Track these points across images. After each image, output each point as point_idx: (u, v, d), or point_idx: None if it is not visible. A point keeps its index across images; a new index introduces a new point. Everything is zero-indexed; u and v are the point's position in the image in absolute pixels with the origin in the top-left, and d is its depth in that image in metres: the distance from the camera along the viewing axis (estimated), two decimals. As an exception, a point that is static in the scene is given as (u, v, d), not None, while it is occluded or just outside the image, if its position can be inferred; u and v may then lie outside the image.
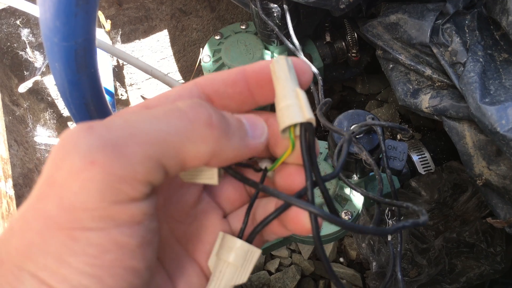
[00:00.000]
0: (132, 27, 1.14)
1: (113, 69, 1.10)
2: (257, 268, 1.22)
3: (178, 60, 1.29)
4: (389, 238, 0.62)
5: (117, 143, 0.19)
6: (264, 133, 0.26)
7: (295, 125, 0.25)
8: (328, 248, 1.19)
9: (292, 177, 0.27)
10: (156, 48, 1.24)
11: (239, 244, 0.26)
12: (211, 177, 0.25)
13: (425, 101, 0.71)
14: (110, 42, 1.09)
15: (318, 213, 0.23)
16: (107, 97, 0.55)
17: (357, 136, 0.60)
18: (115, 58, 1.17)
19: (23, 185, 0.85)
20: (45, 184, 0.19)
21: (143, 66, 0.71)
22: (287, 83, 0.25)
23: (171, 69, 1.31)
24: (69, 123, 1.25)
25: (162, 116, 0.20)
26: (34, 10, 0.78)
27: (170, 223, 0.28)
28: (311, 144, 0.25)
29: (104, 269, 0.19)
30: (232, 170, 0.27)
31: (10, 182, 0.58)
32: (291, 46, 0.76)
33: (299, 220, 0.25)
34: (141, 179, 0.19)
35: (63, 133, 0.20)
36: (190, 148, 0.21)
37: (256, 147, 0.25)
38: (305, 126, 0.25)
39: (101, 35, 1.04)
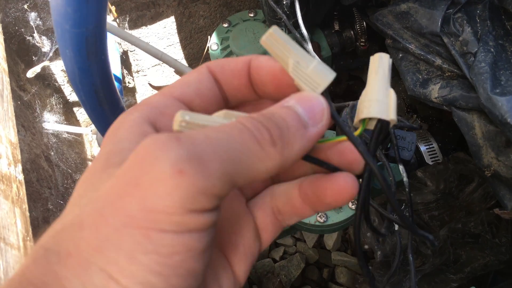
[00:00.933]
0: (139, 13, 1.14)
1: (120, 56, 1.10)
2: (261, 256, 1.23)
3: (184, 47, 1.29)
4: (396, 228, 0.62)
5: (202, 157, 0.20)
6: (324, 112, 0.25)
7: (371, 119, 0.26)
8: (333, 237, 1.20)
9: (346, 155, 0.26)
10: (163, 35, 1.23)
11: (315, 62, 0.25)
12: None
13: (435, 91, 0.70)
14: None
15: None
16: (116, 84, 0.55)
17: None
18: (122, 45, 1.17)
19: (30, 170, 0.86)
20: (129, 184, 0.20)
21: (153, 51, 0.70)
22: (383, 80, 0.26)
23: (178, 56, 1.31)
24: (75, 109, 1.26)
25: (236, 135, 0.21)
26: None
27: None
28: (379, 141, 0.26)
29: (171, 268, 0.20)
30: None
31: (19, 167, 0.58)
32: (298, 35, 0.76)
33: (346, 185, 0.25)
34: (217, 193, 0.21)
35: (149, 138, 0.21)
36: (260, 167, 0.22)
37: (319, 134, 0.24)
38: (382, 123, 0.25)
39: (109, 21, 1.04)
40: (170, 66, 0.69)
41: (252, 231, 0.28)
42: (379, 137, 0.25)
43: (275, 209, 0.29)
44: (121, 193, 0.20)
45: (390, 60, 0.26)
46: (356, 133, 0.26)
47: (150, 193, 0.20)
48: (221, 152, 0.21)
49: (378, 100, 0.25)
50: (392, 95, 0.26)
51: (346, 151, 0.26)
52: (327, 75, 0.25)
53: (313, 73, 0.25)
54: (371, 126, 0.26)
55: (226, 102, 0.28)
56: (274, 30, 0.25)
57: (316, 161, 0.26)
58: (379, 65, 0.26)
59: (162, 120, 0.25)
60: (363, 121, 0.26)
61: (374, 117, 0.25)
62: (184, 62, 1.34)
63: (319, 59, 0.25)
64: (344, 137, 0.26)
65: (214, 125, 0.23)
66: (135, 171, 0.20)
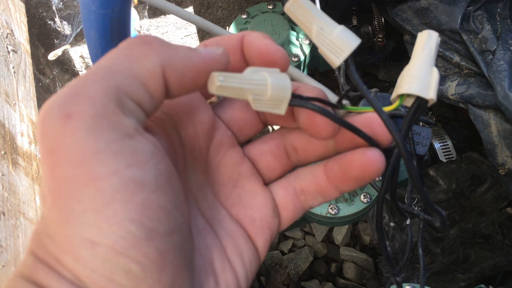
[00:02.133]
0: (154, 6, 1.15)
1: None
2: (270, 248, 1.24)
3: (202, 38, 1.29)
4: (408, 222, 0.62)
5: (77, 91, 0.20)
6: (220, 47, 0.25)
7: (409, 95, 0.25)
8: (342, 232, 1.20)
9: (374, 127, 0.26)
10: (181, 25, 1.24)
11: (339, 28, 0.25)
12: (279, 106, 0.25)
13: (452, 88, 0.70)
14: (137, 17, 1.10)
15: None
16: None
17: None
18: (141, 34, 1.18)
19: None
20: (47, 155, 0.20)
21: (187, 16, 0.68)
22: (429, 58, 0.25)
23: (195, 46, 1.31)
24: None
25: (104, 58, 0.22)
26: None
27: (214, 187, 0.29)
28: (414, 120, 0.25)
29: (139, 212, 0.20)
30: (301, 101, 0.26)
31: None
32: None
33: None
34: (115, 111, 0.20)
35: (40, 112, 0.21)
36: (138, 67, 0.21)
37: (211, 57, 0.24)
38: (421, 102, 0.24)
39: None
40: (208, 31, 0.67)
41: (270, 206, 0.29)
42: (414, 115, 0.25)
43: (298, 189, 0.29)
44: (49, 167, 0.20)
45: (439, 39, 0.26)
46: (391, 108, 0.26)
47: (65, 149, 0.19)
48: (92, 75, 0.21)
49: (420, 76, 0.24)
50: (435, 74, 0.25)
51: (373, 124, 0.26)
52: (351, 41, 0.24)
53: (337, 39, 0.24)
54: (408, 103, 0.25)
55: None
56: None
57: (352, 128, 0.26)
58: (426, 42, 0.25)
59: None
60: (401, 96, 0.25)
61: (413, 93, 0.24)
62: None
63: (344, 26, 0.25)
64: (391, 107, 0.26)
65: (247, 81, 0.23)
66: (44, 144, 0.20)
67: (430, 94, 0.24)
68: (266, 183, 0.31)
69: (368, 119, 0.26)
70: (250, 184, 0.29)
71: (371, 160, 0.25)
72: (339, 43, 0.24)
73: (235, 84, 0.23)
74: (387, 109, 0.26)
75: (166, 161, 0.22)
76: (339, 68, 0.73)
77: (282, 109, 0.25)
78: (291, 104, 0.25)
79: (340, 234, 1.20)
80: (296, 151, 0.29)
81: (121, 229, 0.19)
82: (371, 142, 0.26)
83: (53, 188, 0.20)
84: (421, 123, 0.66)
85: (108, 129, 0.20)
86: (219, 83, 0.23)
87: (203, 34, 1.28)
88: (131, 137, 0.20)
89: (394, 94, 0.25)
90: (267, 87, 0.24)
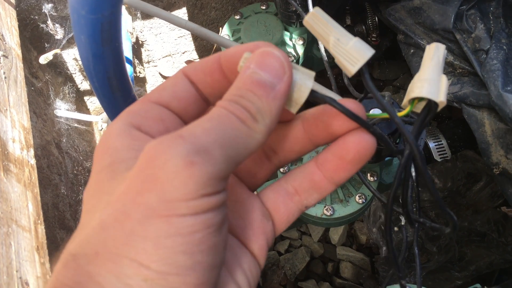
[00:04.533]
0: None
1: (132, 46, 1.10)
2: (267, 248, 1.23)
3: (195, 39, 1.29)
4: (403, 222, 0.62)
5: (206, 148, 0.22)
6: (283, 64, 0.26)
7: (420, 99, 0.26)
8: (339, 231, 1.20)
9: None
10: (174, 26, 1.24)
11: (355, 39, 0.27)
12: (294, 105, 0.27)
13: (445, 88, 0.70)
14: (130, 18, 1.09)
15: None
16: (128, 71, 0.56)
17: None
18: (134, 35, 1.18)
19: (41, 156, 0.87)
20: (146, 181, 0.22)
21: (177, 20, 0.68)
22: (437, 67, 0.26)
23: (188, 47, 1.31)
24: (86, 98, 1.26)
25: (225, 121, 0.24)
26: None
27: None
28: (426, 122, 0.26)
29: (194, 246, 0.22)
30: (320, 94, 0.27)
31: (31, 152, 0.59)
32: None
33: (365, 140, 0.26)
34: (223, 176, 0.23)
35: (155, 141, 0.23)
36: (251, 141, 0.24)
37: (287, 85, 0.25)
38: (431, 105, 0.26)
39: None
40: (197, 34, 0.67)
41: (259, 211, 0.30)
42: (426, 118, 0.26)
43: (291, 190, 0.30)
44: (139, 189, 0.22)
45: (445, 51, 0.27)
46: (403, 113, 0.27)
47: (167, 185, 0.22)
48: (219, 139, 0.23)
49: (430, 81, 0.26)
50: (444, 80, 0.26)
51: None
52: (365, 52, 0.26)
53: (353, 49, 0.26)
54: (418, 109, 0.26)
55: (206, 100, 0.29)
56: (317, 10, 0.27)
57: (357, 119, 0.27)
58: (435, 53, 0.27)
59: (146, 124, 0.27)
60: (412, 101, 0.26)
61: (424, 96, 0.25)
62: (195, 53, 1.34)
63: (359, 38, 0.26)
64: (404, 112, 0.27)
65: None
66: (149, 170, 0.22)
67: (441, 97, 0.25)
68: (253, 190, 0.31)
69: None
70: (234, 194, 0.30)
71: (365, 140, 0.26)
72: (354, 53, 0.26)
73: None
74: (400, 114, 0.27)
75: (226, 207, 0.24)
76: (331, 69, 0.72)
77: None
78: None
79: (336, 234, 1.20)
80: (275, 151, 0.31)
81: (172, 258, 0.21)
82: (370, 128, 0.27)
83: (129, 210, 0.22)
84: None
85: (215, 184, 0.22)
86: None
87: (196, 35, 1.27)
88: (220, 193, 0.23)
89: (405, 100, 0.27)
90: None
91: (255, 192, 0.31)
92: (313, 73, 0.27)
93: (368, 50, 0.26)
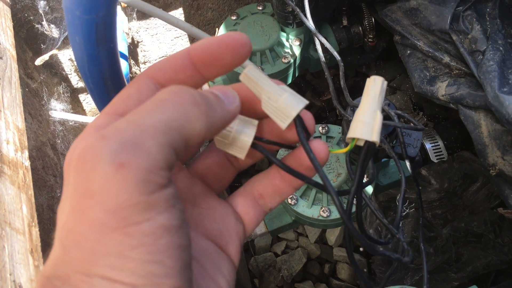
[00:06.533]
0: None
1: (128, 47, 1.10)
2: (263, 250, 1.23)
3: (192, 40, 1.29)
4: (400, 224, 0.62)
5: (134, 142, 0.21)
6: (235, 97, 0.27)
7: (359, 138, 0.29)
8: (335, 232, 1.20)
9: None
10: (170, 27, 1.23)
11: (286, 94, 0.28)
12: (240, 151, 0.29)
13: (442, 89, 0.70)
14: (126, 19, 1.09)
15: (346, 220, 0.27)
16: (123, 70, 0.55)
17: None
18: (130, 36, 1.17)
19: (36, 157, 0.86)
20: (83, 197, 0.21)
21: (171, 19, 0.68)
22: (373, 102, 0.28)
23: (184, 48, 1.31)
24: (81, 99, 1.26)
25: (157, 109, 0.23)
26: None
27: None
28: (367, 160, 0.28)
29: (161, 252, 0.21)
30: (261, 147, 0.29)
31: (26, 153, 0.59)
32: (311, 27, 0.76)
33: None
34: (163, 166, 0.22)
35: (78, 148, 0.22)
36: (189, 128, 0.23)
37: (235, 111, 0.27)
38: (370, 144, 0.28)
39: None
40: (191, 34, 0.66)
41: (231, 215, 0.31)
42: (366, 156, 0.28)
43: (257, 194, 0.32)
44: (82, 208, 0.21)
45: (385, 83, 0.29)
46: (345, 150, 0.30)
47: (105, 197, 0.21)
48: (149, 128, 0.22)
49: (364, 121, 0.28)
50: (378, 117, 0.28)
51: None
52: (295, 107, 0.27)
53: (282, 106, 0.27)
54: (361, 143, 0.28)
55: None
56: (248, 70, 0.28)
57: (289, 170, 0.29)
58: (372, 87, 0.29)
59: None
60: (352, 140, 0.29)
61: (358, 137, 0.28)
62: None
63: (291, 91, 0.28)
64: (345, 149, 0.30)
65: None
66: (82, 184, 0.21)
67: (373, 136, 0.27)
68: (219, 193, 0.33)
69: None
70: (207, 201, 0.31)
71: (320, 148, 0.28)
72: (284, 109, 0.27)
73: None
74: (341, 151, 0.31)
75: (180, 201, 0.24)
76: (328, 70, 0.72)
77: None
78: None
79: (333, 235, 1.20)
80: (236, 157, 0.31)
81: (143, 269, 0.21)
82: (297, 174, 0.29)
83: (81, 230, 0.21)
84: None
85: (156, 177, 0.21)
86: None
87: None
88: (166, 186, 0.22)
89: (347, 137, 0.29)
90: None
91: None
92: (256, 121, 0.29)
93: (298, 103, 0.27)
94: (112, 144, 0.21)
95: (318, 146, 0.28)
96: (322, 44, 0.75)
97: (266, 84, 0.28)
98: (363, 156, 0.28)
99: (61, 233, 0.22)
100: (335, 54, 0.70)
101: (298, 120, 0.28)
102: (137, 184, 0.21)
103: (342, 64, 0.68)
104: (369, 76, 0.29)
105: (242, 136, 0.28)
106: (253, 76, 0.28)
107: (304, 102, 0.28)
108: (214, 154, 0.32)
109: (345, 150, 0.30)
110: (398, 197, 0.59)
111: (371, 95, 0.29)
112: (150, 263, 0.21)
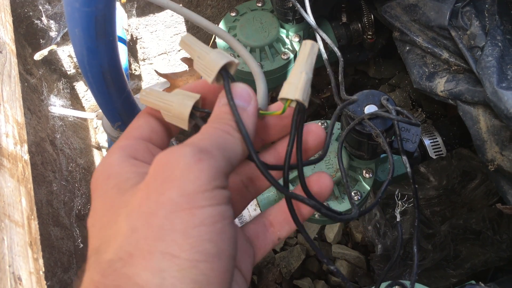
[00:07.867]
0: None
1: (127, 43, 1.10)
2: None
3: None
4: (398, 218, 0.62)
5: (208, 149, 0.27)
6: (250, 93, 0.31)
7: (292, 100, 0.31)
8: (334, 229, 1.20)
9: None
10: (170, 23, 1.24)
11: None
12: (182, 122, 0.31)
13: (441, 85, 0.70)
14: (125, 15, 1.09)
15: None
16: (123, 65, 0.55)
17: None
18: (129, 32, 1.17)
19: (35, 153, 0.86)
20: (163, 182, 0.26)
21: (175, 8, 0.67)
22: (301, 64, 0.30)
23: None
24: (80, 95, 1.26)
25: (214, 134, 0.29)
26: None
27: None
28: (300, 120, 0.31)
29: (217, 234, 0.25)
30: (197, 117, 0.32)
31: (25, 147, 0.59)
32: (311, 22, 0.76)
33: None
34: (226, 172, 0.27)
35: (164, 151, 0.27)
36: (237, 147, 0.29)
37: (255, 108, 0.31)
38: (300, 105, 0.30)
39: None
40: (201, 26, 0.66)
41: (243, 238, 0.34)
42: (297, 117, 0.31)
43: (267, 223, 0.35)
44: (160, 190, 0.25)
45: (315, 47, 0.31)
46: (279, 112, 0.32)
47: (185, 180, 0.25)
48: (215, 144, 0.28)
49: (290, 82, 0.30)
50: (302, 77, 0.30)
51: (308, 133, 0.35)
52: (218, 63, 0.30)
53: (208, 63, 0.30)
54: (293, 105, 0.31)
55: (169, 131, 0.34)
56: (185, 37, 0.31)
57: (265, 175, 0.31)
58: (302, 51, 0.31)
59: (138, 155, 0.31)
60: (285, 102, 0.31)
61: (282, 97, 0.30)
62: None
63: (221, 51, 0.30)
64: (279, 112, 0.32)
65: (168, 99, 0.31)
66: (165, 172, 0.26)
67: (296, 95, 0.30)
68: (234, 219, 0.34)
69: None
70: None
71: (324, 180, 0.33)
72: (209, 65, 0.30)
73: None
74: (276, 113, 0.32)
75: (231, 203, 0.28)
76: (330, 66, 0.72)
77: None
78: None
79: (332, 232, 1.20)
80: (252, 180, 0.36)
81: (200, 245, 0.24)
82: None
83: (153, 210, 0.25)
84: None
85: (220, 178, 0.26)
86: (141, 96, 0.31)
87: (193, 33, 1.27)
88: (225, 188, 0.27)
89: (278, 98, 0.31)
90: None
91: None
92: (197, 95, 0.31)
93: (222, 59, 0.30)
94: (192, 147, 0.26)
95: (312, 127, 0.34)
96: (322, 40, 0.75)
97: (198, 47, 0.31)
98: (295, 117, 0.30)
99: (131, 216, 0.26)
100: (336, 49, 0.70)
101: (224, 74, 0.30)
102: (209, 176, 0.25)
103: (342, 59, 0.68)
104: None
105: (181, 108, 0.31)
106: (188, 42, 0.31)
107: (228, 57, 0.30)
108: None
109: (278, 112, 0.32)
110: (396, 192, 0.60)
111: (300, 58, 0.31)
112: (206, 241, 0.24)
